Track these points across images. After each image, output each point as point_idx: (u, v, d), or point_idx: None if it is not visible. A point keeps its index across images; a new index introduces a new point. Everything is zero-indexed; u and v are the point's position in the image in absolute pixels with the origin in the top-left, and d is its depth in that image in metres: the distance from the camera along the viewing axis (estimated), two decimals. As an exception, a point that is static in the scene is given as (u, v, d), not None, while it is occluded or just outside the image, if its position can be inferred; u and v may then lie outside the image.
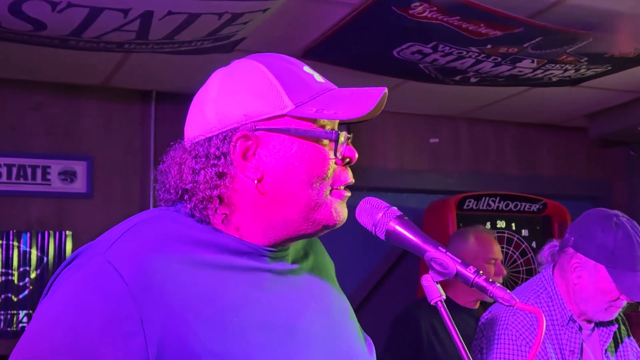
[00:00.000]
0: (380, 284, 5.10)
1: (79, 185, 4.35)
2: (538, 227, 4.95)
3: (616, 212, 2.32)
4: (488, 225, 4.79)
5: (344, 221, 1.32)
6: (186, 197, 1.28)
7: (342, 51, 3.73)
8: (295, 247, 1.39)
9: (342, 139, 1.29)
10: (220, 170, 1.26)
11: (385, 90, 1.28)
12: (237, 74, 1.31)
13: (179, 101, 4.63)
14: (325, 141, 1.28)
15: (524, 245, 4.90)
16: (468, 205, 4.71)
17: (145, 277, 1.16)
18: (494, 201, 4.79)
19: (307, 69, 1.33)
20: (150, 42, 3.37)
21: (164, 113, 4.59)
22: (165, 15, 3.03)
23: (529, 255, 4.90)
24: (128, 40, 3.35)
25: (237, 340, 1.19)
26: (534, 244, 4.92)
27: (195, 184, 1.27)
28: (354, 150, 1.32)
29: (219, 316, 1.19)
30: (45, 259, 4.21)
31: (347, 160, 1.31)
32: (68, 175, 4.33)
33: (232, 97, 1.28)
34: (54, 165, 4.32)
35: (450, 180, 5.29)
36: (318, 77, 1.33)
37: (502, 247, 4.82)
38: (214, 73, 1.36)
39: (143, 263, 1.18)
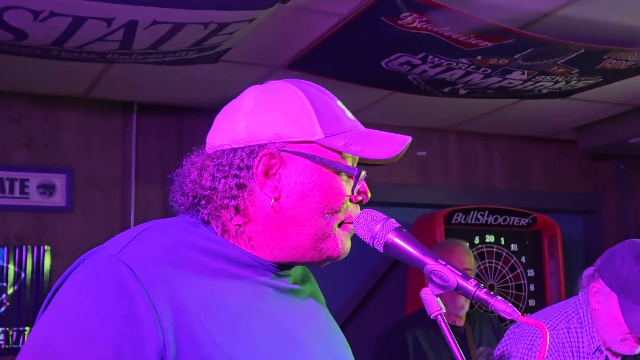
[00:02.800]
0: (367, 300, 5.05)
1: (58, 198, 4.28)
2: (527, 242, 4.93)
3: None
4: (477, 239, 4.76)
5: (347, 254, 1.34)
6: (202, 202, 1.30)
7: (329, 62, 3.70)
8: (296, 271, 1.40)
9: (361, 176, 1.31)
10: (241, 182, 1.29)
11: (410, 139, 1.31)
12: (274, 93, 1.34)
13: (161, 112, 4.58)
14: (344, 176, 1.31)
15: (513, 260, 4.87)
16: (456, 220, 4.68)
17: (161, 278, 1.18)
18: (482, 215, 4.76)
19: (339, 103, 1.37)
20: (134, 52, 3.32)
21: (147, 125, 4.54)
22: (149, 25, 2.99)
23: (518, 271, 4.87)
24: (111, 50, 3.29)
25: (247, 345, 1.21)
26: (523, 259, 4.90)
27: (213, 191, 1.29)
28: (367, 190, 1.35)
29: (230, 321, 1.21)
30: (22, 274, 4.13)
31: (360, 199, 1.34)
32: (47, 189, 4.25)
33: (267, 114, 1.30)
34: (32, 179, 4.24)
35: (439, 194, 5.25)
36: (349, 114, 1.36)
37: (491, 262, 4.78)
38: (248, 88, 1.39)
39: (156, 264, 1.20)
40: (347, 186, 1.31)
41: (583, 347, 2.25)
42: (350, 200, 1.32)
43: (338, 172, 1.29)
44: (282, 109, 1.30)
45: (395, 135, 1.32)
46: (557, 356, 2.19)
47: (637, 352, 2.29)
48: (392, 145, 1.29)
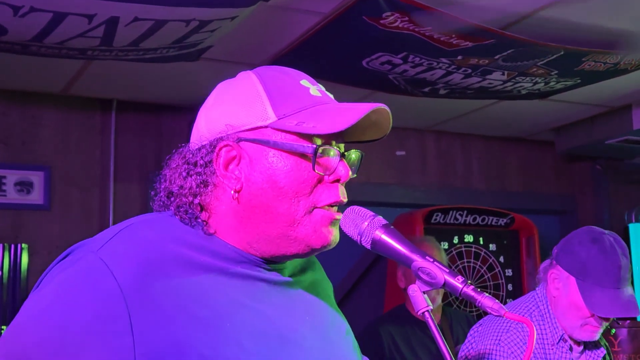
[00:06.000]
0: (346, 298, 5.05)
1: (36, 196, 4.24)
2: (505, 242, 4.95)
3: (604, 230, 2.34)
4: (456, 239, 4.78)
5: (333, 244, 1.29)
6: (172, 198, 1.30)
7: (310, 61, 3.69)
8: (293, 263, 1.37)
9: (331, 153, 1.26)
10: (204, 179, 1.28)
11: (379, 106, 1.25)
12: (232, 84, 1.32)
13: (141, 110, 4.55)
14: (308, 157, 1.25)
15: (491, 260, 4.89)
16: (435, 219, 4.70)
17: (139, 276, 1.17)
18: (461, 215, 4.78)
19: (304, 82, 1.31)
20: (115, 49, 3.30)
21: (125, 122, 4.52)
22: (131, 22, 2.98)
23: (496, 270, 4.90)
24: (91, 47, 3.27)
25: (229, 345, 1.18)
26: (501, 259, 4.92)
27: (180, 189, 1.29)
28: (347, 168, 1.28)
29: (212, 320, 1.19)
30: (-1, 273, 4.08)
31: (327, 178, 1.27)
32: (24, 186, 4.21)
33: (220, 106, 1.29)
34: (9, 176, 4.21)
35: (417, 193, 5.27)
36: (314, 91, 1.30)
37: (470, 262, 4.81)
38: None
39: (136, 262, 1.18)
40: (318, 167, 1.24)
41: (547, 339, 2.28)
42: (322, 180, 1.26)
43: (300, 154, 1.24)
44: (234, 99, 1.28)
45: (359, 104, 1.24)
46: (524, 349, 2.21)
47: (597, 338, 2.32)
48: (349, 115, 1.21)
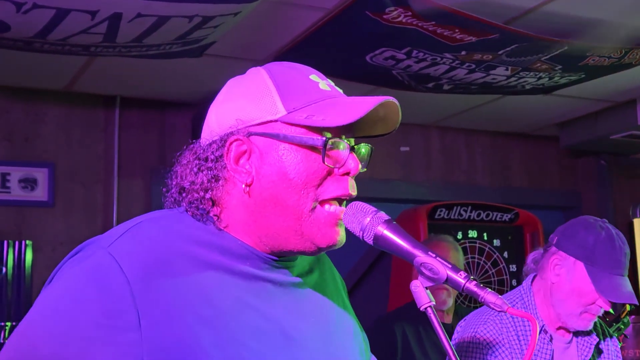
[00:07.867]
0: (350, 295, 5.04)
1: (40, 193, 4.25)
2: (510, 237, 4.94)
3: (603, 219, 2.35)
4: (460, 235, 4.77)
5: (340, 244, 1.29)
6: (183, 194, 1.32)
7: (314, 56, 3.69)
8: (301, 262, 1.38)
9: (341, 146, 1.27)
10: (215, 174, 1.29)
11: (389, 99, 1.26)
12: (242, 80, 1.34)
13: (144, 107, 4.55)
14: (318, 149, 1.26)
15: (495, 256, 4.89)
16: (439, 215, 4.69)
17: (147, 273, 1.18)
18: (465, 210, 4.77)
19: (313, 76, 1.32)
20: (118, 45, 3.30)
21: (129, 119, 4.52)
22: (134, 18, 2.98)
23: (501, 266, 4.89)
24: (94, 43, 3.27)
25: (233, 343, 1.19)
26: (505, 254, 4.91)
27: (192, 184, 1.30)
28: (357, 161, 1.29)
29: (217, 318, 1.20)
30: (4, 269, 4.09)
31: (337, 170, 1.28)
32: (28, 183, 4.22)
33: (230, 101, 1.31)
34: (13, 173, 4.22)
35: (421, 189, 5.27)
36: (323, 85, 1.31)
37: (474, 257, 4.80)
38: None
39: (145, 259, 1.20)
40: (328, 160, 1.26)
41: (527, 330, 2.27)
42: (331, 173, 1.27)
43: (311, 147, 1.25)
44: (244, 94, 1.29)
45: (368, 98, 1.25)
46: (502, 339, 2.22)
47: (590, 328, 2.32)
48: (358, 108, 1.22)
